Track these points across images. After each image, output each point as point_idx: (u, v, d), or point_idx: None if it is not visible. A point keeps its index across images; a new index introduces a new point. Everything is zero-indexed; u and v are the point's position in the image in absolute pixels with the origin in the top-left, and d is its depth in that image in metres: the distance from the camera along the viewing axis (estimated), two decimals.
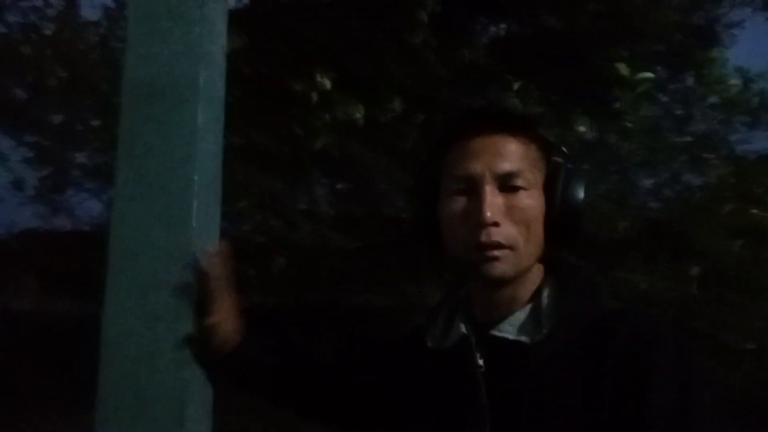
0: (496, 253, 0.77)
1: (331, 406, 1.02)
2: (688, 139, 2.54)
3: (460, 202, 0.81)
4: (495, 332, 0.80)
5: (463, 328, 0.83)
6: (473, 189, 0.80)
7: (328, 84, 2.52)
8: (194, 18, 1.01)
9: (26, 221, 4.65)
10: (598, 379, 0.71)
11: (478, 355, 0.80)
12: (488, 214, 0.77)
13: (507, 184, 0.79)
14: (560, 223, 0.81)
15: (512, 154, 0.80)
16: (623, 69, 2.39)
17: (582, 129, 2.90)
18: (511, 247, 0.78)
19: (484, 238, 0.77)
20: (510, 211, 0.79)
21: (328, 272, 3.49)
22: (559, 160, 0.84)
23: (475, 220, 0.77)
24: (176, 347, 0.90)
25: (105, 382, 0.90)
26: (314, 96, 2.54)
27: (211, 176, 1.02)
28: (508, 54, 3.40)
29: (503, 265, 0.78)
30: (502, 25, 3.50)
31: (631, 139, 2.51)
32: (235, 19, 4.11)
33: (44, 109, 4.16)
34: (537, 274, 0.84)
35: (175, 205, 0.94)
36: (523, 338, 0.78)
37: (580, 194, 0.83)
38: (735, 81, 2.39)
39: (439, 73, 2.96)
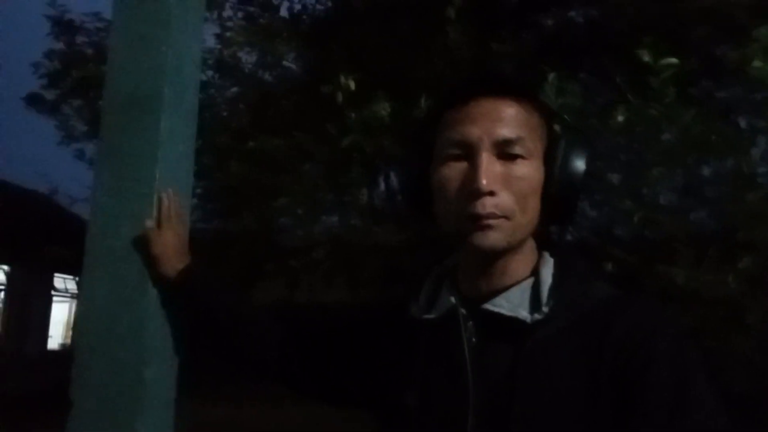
0: (490, 222, 0.73)
1: (302, 372, 1.00)
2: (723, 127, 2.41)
3: (454, 169, 0.76)
4: (489, 306, 0.76)
5: (452, 300, 0.79)
6: (469, 155, 0.75)
7: (352, 85, 2.64)
8: (163, 40, 1.16)
9: None
10: (596, 365, 0.69)
11: (468, 329, 0.77)
12: (484, 182, 0.72)
13: (505, 151, 0.74)
14: (557, 197, 0.77)
15: (513, 120, 0.75)
16: (645, 55, 2.32)
17: (621, 119, 2.83)
18: (506, 217, 0.74)
19: (479, 209, 0.73)
20: (507, 180, 0.74)
21: (372, 268, 3.61)
22: (560, 130, 0.82)
23: (470, 188, 0.73)
24: (137, 311, 1.04)
25: (79, 353, 1.06)
26: (339, 96, 2.67)
27: (176, 176, 1.16)
28: (543, 46, 3.37)
29: (496, 235, 0.74)
30: (536, 18, 3.47)
31: (659, 129, 2.43)
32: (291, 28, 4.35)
33: None
34: (530, 249, 0.80)
35: (139, 200, 1.09)
36: (520, 315, 0.74)
37: (581, 168, 0.78)
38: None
39: (469, 68, 3.00)
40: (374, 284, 3.70)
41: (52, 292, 12.77)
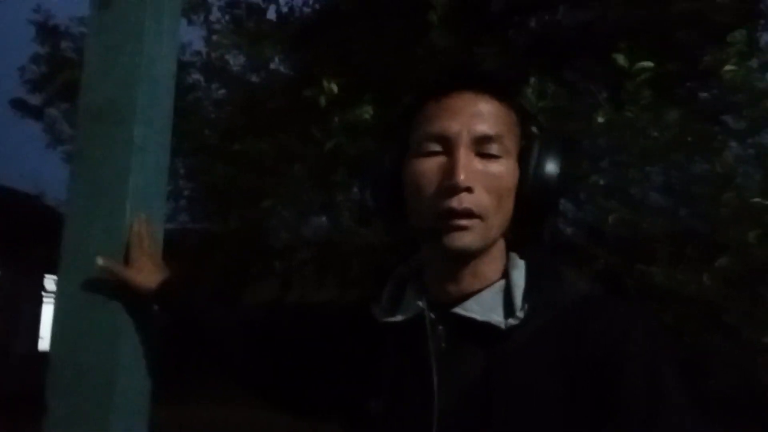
0: (464, 222, 0.71)
1: (263, 372, 0.99)
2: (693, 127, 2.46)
3: (430, 164, 0.74)
4: (460, 311, 0.74)
5: (421, 303, 0.76)
6: (447, 150, 0.73)
7: (335, 89, 2.66)
8: (136, 51, 1.18)
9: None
10: (571, 367, 0.68)
11: (437, 333, 0.75)
12: (462, 177, 0.70)
13: (483, 148, 0.73)
14: (532, 198, 0.75)
15: (492, 117, 0.74)
16: (621, 59, 2.37)
17: (601, 120, 2.87)
18: (480, 217, 0.72)
19: (454, 204, 0.70)
20: (484, 177, 0.72)
21: (358, 269, 3.64)
22: (535, 130, 0.82)
23: (447, 183, 0.71)
24: (111, 317, 1.06)
25: (53, 357, 1.09)
26: (322, 100, 2.69)
27: (150, 185, 1.18)
28: (526, 50, 3.41)
29: (470, 236, 0.72)
30: (519, 22, 3.50)
31: (634, 131, 2.47)
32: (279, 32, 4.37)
33: None
34: (501, 251, 0.79)
35: (113, 207, 1.10)
36: (494, 321, 0.72)
37: (556, 169, 0.76)
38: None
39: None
40: (360, 285, 3.73)
41: (43, 294, 12.71)
